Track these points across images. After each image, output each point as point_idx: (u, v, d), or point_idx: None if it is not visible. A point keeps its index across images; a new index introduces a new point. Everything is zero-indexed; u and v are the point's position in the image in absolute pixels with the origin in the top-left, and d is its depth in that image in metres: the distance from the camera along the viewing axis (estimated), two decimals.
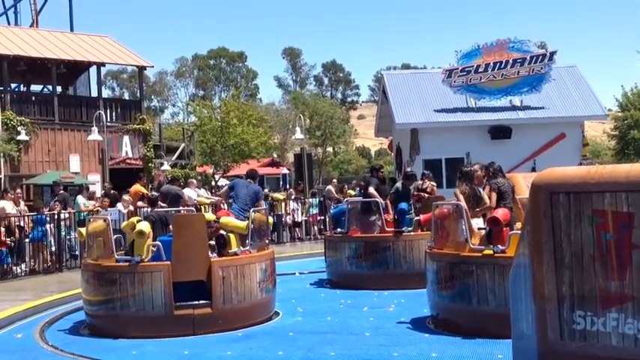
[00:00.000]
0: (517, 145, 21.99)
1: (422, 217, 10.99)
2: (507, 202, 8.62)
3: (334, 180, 25.80)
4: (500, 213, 8.34)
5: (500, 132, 22.36)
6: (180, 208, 11.88)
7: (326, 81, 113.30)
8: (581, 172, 4.18)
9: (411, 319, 8.98)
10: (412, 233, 11.60)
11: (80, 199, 16.81)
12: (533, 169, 19.69)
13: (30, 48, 28.06)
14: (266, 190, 17.54)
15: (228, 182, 22.63)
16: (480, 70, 22.36)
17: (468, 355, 7.08)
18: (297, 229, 20.51)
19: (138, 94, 35.06)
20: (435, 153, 22.09)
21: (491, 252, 7.81)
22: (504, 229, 8.08)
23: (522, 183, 10.84)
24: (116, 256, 8.85)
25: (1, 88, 25.83)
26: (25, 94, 30.23)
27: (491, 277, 7.67)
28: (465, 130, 22.31)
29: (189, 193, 17.05)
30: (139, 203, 14.83)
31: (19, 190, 15.54)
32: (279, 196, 21.65)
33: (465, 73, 22.41)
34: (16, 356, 7.83)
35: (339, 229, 12.72)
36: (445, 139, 21.98)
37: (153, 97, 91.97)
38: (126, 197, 15.49)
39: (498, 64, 22.32)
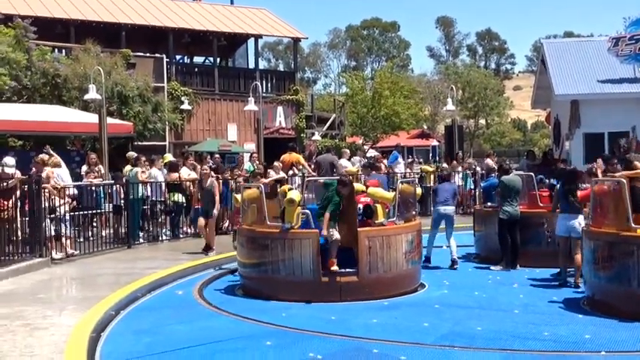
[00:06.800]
0: None
1: (579, 193, 10.45)
2: None
3: (492, 151, 24.95)
4: None
5: None
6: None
7: (480, 50, 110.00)
8: None
9: (563, 299, 8.65)
10: None
11: (248, 164, 17.60)
12: None
13: (193, 21, 29.52)
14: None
15: (376, 153, 22.74)
16: None
17: (625, 338, 6.72)
18: None
19: (292, 66, 35.85)
20: (597, 126, 20.86)
21: None
22: None
23: None
24: (268, 223, 9.19)
25: (167, 60, 27.39)
26: (188, 66, 31.91)
27: None
28: (631, 102, 20.86)
29: (344, 163, 17.39)
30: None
31: (191, 159, 16.51)
32: (429, 167, 21.38)
33: (633, 42, 20.93)
34: (177, 312, 8.40)
35: (489, 203, 12.41)
36: (609, 112, 20.69)
37: (306, 68, 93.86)
38: (276, 164, 16.00)
39: None
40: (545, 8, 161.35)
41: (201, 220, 12.59)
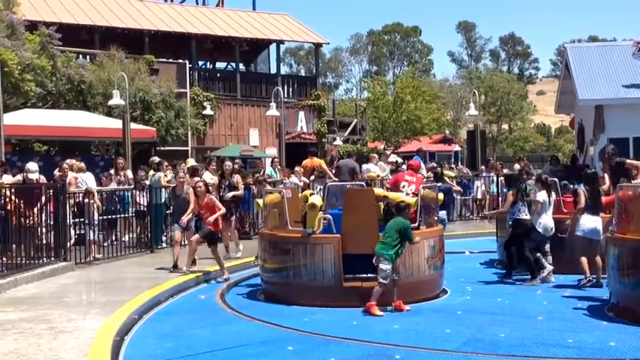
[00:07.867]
0: None
1: (604, 199, 10.33)
2: None
3: (522, 156, 24.61)
4: None
5: None
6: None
7: (503, 55, 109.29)
8: None
9: (588, 306, 8.56)
10: None
11: (269, 169, 17.66)
12: None
13: (216, 27, 29.70)
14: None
15: (399, 159, 22.68)
16: None
17: None
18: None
19: (314, 71, 35.93)
20: (622, 131, 20.63)
21: None
22: None
23: None
24: (290, 227, 9.20)
25: (190, 66, 27.58)
26: (210, 71, 32.11)
27: None
28: None
29: (372, 168, 17.35)
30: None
31: (214, 164, 16.52)
32: (451, 173, 21.25)
33: None
34: (199, 316, 8.44)
35: None
36: (634, 117, 20.47)
37: (328, 73, 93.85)
38: (298, 169, 16.02)
39: None
40: (570, 12, 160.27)
41: (177, 234, 11.44)
